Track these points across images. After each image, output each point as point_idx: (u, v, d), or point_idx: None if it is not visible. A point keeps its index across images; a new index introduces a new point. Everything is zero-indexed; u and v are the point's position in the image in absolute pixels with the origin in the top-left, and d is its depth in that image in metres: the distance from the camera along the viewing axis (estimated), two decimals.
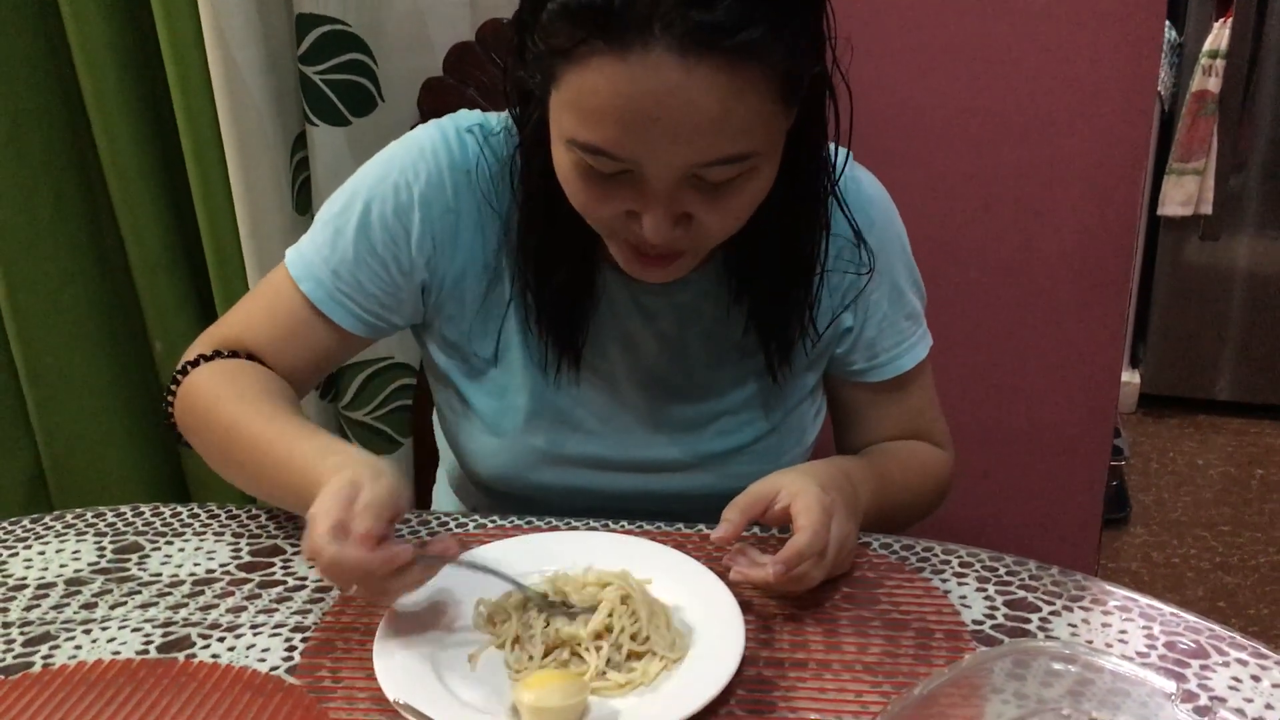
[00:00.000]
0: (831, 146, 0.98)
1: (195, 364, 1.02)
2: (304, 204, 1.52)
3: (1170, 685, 0.76)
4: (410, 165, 1.01)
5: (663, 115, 0.79)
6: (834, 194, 0.99)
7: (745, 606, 0.88)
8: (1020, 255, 1.75)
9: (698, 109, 0.79)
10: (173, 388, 1.03)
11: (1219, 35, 2.89)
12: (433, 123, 1.04)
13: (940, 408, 1.19)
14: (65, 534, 1.02)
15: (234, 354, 1.03)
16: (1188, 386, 3.28)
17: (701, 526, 1.02)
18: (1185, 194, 3.02)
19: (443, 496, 1.26)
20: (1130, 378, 3.32)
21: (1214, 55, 2.90)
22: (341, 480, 0.81)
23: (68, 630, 0.89)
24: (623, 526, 1.02)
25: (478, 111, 1.06)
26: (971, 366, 1.79)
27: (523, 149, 0.96)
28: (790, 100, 0.85)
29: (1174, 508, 2.82)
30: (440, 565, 0.84)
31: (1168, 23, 2.94)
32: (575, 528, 1.02)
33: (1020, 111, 1.67)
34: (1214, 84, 2.91)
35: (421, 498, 1.53)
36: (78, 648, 0.86)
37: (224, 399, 0.98)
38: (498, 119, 1.04)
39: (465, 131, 1.02)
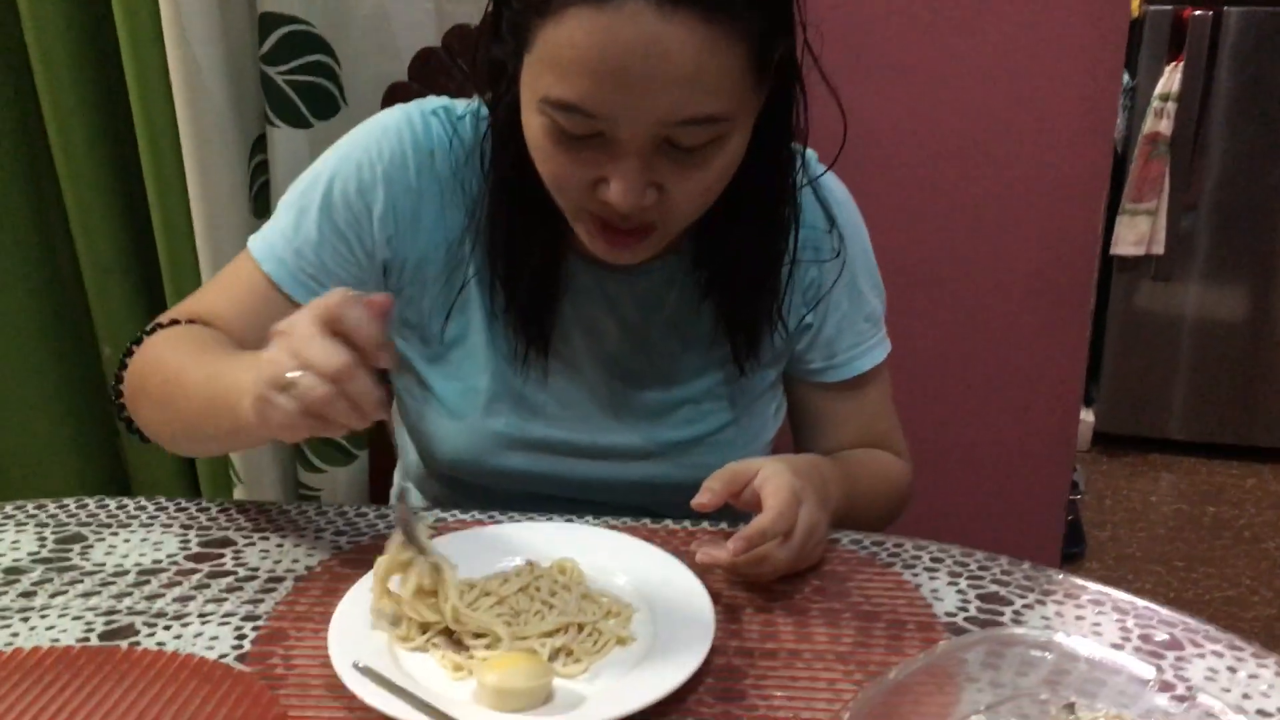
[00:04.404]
0: (796, 148, 0.99)
1: (152, 333, 0.99)
2: (262, 207, 1.49)
3: (1149, 671, 0.75)
4: (374, 144, 1.01)
5: (637, 67, 0.79)
6: (810, 185, 1.01)
7: (714, 598, 0.85)
8: (983, 276, 1.76)
9: (672, 62, 0.79)
10: (126, 359, 0.99)
11: (1170, 78, 2.94)
12: (398, 106, 1.04)
13: (898, 419, 1.18)
14: (4, 525, 0.98)
15: (192, 323, 1.00)
16: (1140, 425, 3.31)
17: (668, 522, 1.00)
18: (1138, 234, 3.06)
19: None
20: (1084, 416, 3.35)
21: (1165, 98, 2.95)
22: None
23: (3, 618, 0.85)
24: (588, 521, 1.00)
25: (444, 97, 1.05)
26: (934, 383, 1.79)
27: (494, 129, 0.95)
28: (762, 69, 0.85)
29: (1129, 544, 2.83)
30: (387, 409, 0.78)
31: None
32: (533, 520, 0.99)
33: (984, 140, 1.70)
34: (1165, 126, 2.97)
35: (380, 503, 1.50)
36: (14, 635, 0.83)
37: (182, 347, 0.95)
38: (464, 105, 1.04)
39: (430, 114, 1.02)
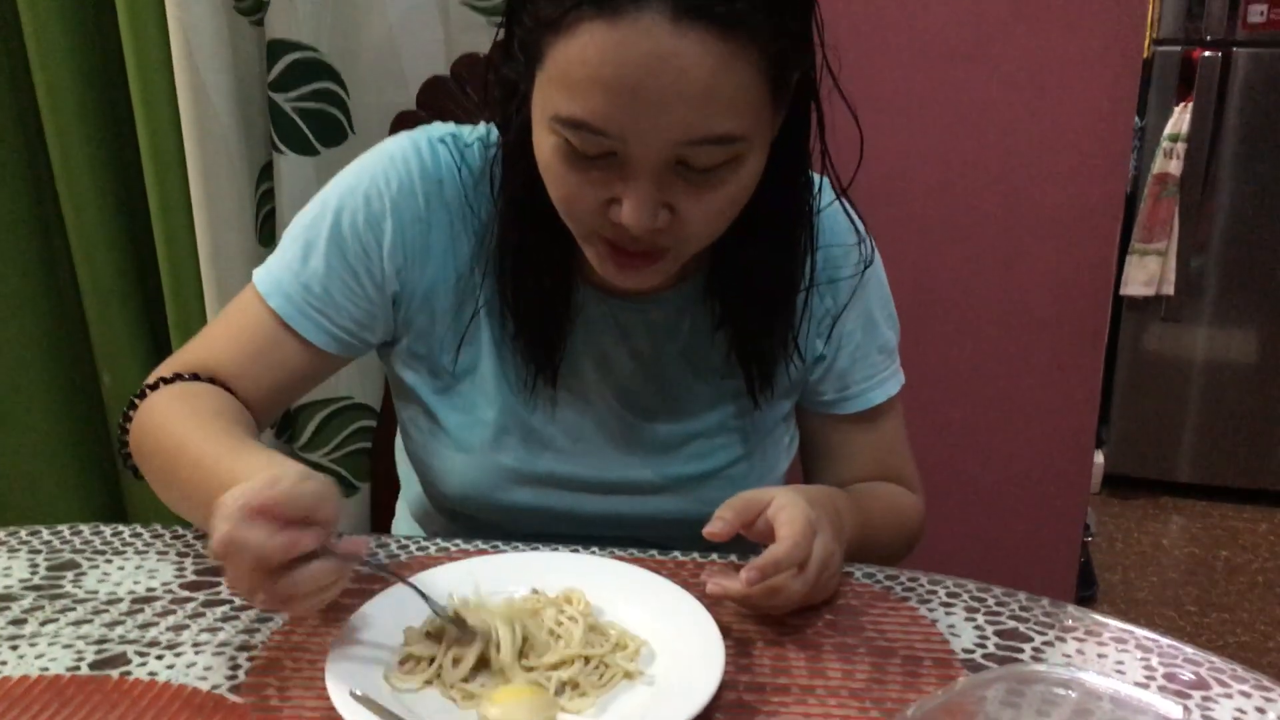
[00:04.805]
0: (815, 176, 0.98)
1: (155, 387, 0.96)
2: (268, 235, 1.48)
3: (1176, 710, 0.71)
4: (381, 174, 0.98)
5: (651, 83, 0.77)
6: (841, 200, 1.00)
7: (724, 632, 0.82)
8: (997, 314, 1.74)
9: (687, 78, 0.77)
10: (130, 412, 0.97)
11: (1180, 119, 2.94)
12: (403, 133, 1.02)
13: (911, 451, 1.16)
14: None
15: (196, 377, 0.97)
16: (1150, 467, 3.28)
17: (676, 553, 0.98)
18: (1148, 274, 3.04)
19: (403, 527, 1.20)
20: (1095, 457, 3.32)
21: (1175, 139, 2.95)
22: (265, 474, 0.73)
23: None
24: (594, 552, 0.97)
25: (450, 124, 1.03)
26: (947, 419, 1.77)
27: (505, 151, 0.93)
28: (778, 91, 0.83)
29: (1140, 587, 2.79)
30: (349, 566, 0.76)
31: None
32: (538, 550, 0.97)
33: (996, 178, 1.70)
34: (1175, 166, 2.96)
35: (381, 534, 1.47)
36: (3, 663, 0.80)
37: (174, 420, 0.92)
38: (470, 131, 1.02)
39: (438, 141, 1.00)
